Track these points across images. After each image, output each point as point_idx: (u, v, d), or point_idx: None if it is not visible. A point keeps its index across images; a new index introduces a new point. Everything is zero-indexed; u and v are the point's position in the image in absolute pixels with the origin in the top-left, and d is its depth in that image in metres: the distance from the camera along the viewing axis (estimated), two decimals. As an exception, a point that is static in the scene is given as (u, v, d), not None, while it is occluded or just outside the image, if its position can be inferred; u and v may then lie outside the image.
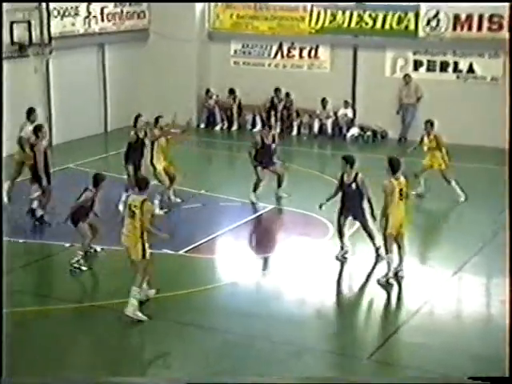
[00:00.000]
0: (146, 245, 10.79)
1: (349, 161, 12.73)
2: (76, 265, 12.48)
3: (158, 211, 14.21)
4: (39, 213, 14.31)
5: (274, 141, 15.67)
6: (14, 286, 11.88)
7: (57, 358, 10.09)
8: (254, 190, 15.43)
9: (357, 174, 12.63)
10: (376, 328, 11.25)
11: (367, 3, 20.93)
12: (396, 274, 12.11)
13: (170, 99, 22.25)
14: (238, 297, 11.98)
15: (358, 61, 21.29)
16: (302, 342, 10.47)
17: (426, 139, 15.83)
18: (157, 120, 15.23)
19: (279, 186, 15.76)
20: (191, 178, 16.68)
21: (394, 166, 11.95)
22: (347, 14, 21.15)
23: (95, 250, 13.05)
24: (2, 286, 8.94)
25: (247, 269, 12.93)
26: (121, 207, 14.15)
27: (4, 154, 13.94)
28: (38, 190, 14.31)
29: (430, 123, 15.86)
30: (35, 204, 14.38)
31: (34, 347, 10.22)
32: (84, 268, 12.48)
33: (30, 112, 14.88)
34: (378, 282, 12.08)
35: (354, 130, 21.29)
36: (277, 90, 21.78)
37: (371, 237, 12.82)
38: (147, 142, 14.95)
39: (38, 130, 14.37)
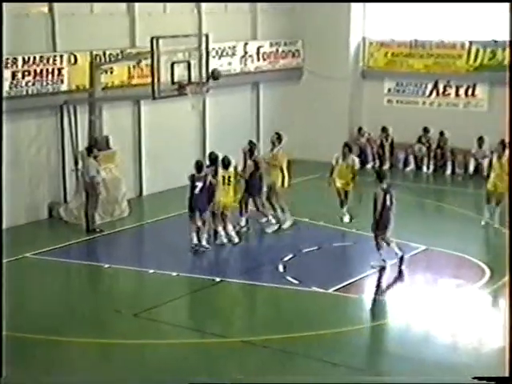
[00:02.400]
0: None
1: (380, 175, 13.72)
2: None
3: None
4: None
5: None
6: (166, 318, 12.20)
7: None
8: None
9: (389, 187, 13.63)
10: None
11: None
12: None
13: (321, 136, 22.35)
14: (387, 338, 11.72)
15: (519, 99, 20.52)
16: (443, 380, 10.04)
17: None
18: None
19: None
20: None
21: None
22: (508, 51, 20.52)
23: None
24: (2, 286, 9.08)
25: (397, 310, 12.62)
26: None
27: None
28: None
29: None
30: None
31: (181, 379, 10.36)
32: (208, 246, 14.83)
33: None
34: None
35: (513, 171, 20.46)
36: (425, 130, 21.52)
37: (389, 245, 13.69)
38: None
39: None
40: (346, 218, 16.20)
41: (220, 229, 15.14)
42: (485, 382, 5.56)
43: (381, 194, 13.52)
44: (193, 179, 14.73)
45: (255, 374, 10.51)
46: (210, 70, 16.48)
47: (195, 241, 14.75)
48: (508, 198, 8.72)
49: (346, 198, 16.27)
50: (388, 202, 13.57)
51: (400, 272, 13.72)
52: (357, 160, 16.41)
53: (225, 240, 15.16)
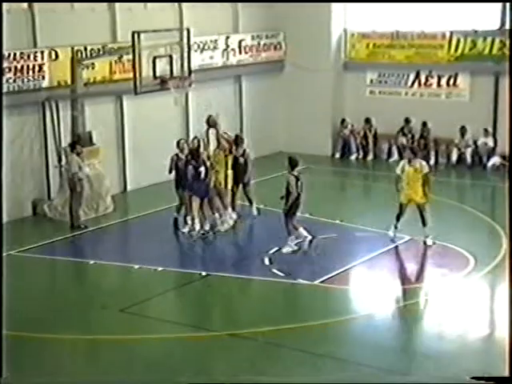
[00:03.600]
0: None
1: (293, 162, 14.27)
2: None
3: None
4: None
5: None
6: (152, 312, 12.20)
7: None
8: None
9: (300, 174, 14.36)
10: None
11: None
12: None
13: (305, 129, 22.41)
14: (373, 329, 11.74)
15: (500, 88, 20.66)
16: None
17: None
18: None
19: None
20: (326, 208, 16.64)
21: None
22: (488, 40, 20.64)
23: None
24: (1, 286, 9.11)
25: (383, 301, 12.68)
26: None
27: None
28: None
29: None
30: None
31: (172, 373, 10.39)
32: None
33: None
34: None
35: (495, 160, 20.62)
36: (406, 120, 21.52)
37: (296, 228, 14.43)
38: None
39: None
40: (429, 241, 14.60)
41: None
42: (484, 381, 5.57)
43: (293, 181, 14.15)
44: (195, 166, 15.16)
45: (242, 366, 10.56)
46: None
47: (206, 227, 15.40)
48: (508, 198, 8.60)
49: (423, 218, 14.61)
50: (299, 188, 14.26)
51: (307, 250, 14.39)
52: (425, 164, 14.97)
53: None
